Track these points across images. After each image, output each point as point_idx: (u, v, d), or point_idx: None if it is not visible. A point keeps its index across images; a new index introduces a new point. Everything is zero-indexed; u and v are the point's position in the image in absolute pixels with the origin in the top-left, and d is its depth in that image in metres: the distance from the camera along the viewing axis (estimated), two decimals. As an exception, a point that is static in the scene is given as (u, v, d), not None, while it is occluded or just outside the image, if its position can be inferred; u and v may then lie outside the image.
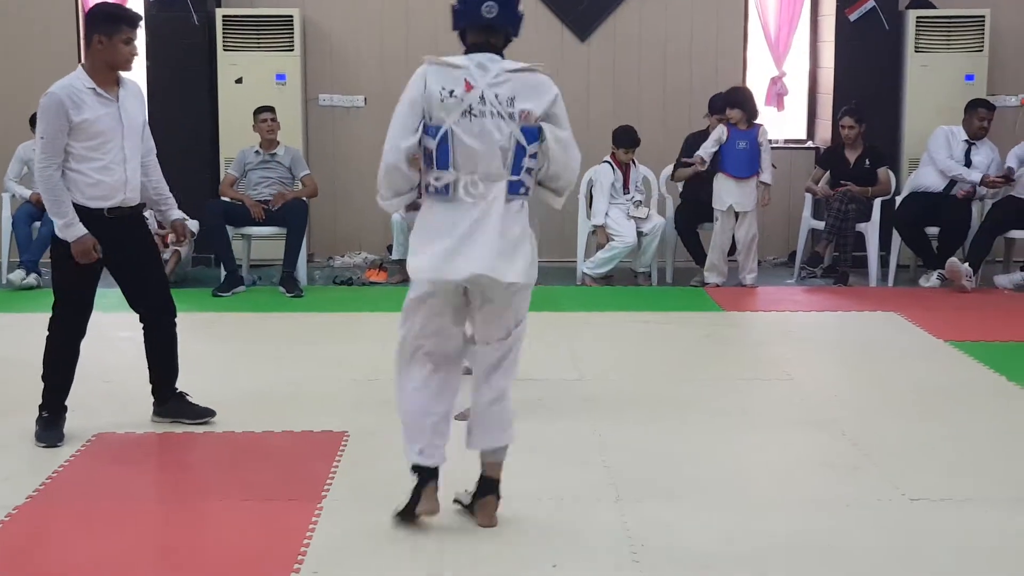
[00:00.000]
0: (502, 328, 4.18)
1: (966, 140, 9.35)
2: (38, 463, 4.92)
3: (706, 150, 9.11)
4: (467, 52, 4.15)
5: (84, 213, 5.15)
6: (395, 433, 5.12)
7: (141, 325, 5.57)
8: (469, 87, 4.04)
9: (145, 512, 4.46)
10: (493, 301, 4.11)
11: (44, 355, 5.39)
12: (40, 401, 5.34)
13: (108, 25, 5.18)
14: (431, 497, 4.22)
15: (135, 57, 5.29)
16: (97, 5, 5.51)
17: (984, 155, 9.35)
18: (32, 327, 7.66)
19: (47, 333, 5.39)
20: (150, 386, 5.58)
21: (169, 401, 5.56)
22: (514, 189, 4.12)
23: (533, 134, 4.12)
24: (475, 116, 4.04)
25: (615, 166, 9.34)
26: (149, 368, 5.58)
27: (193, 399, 5.60)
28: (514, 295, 4.13)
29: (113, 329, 7.78)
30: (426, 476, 4.23)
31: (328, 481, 4.73)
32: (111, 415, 5.66)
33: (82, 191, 5.18)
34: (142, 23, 5.44)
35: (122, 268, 5.47)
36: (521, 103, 4.09)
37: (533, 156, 4.14)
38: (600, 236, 9.27)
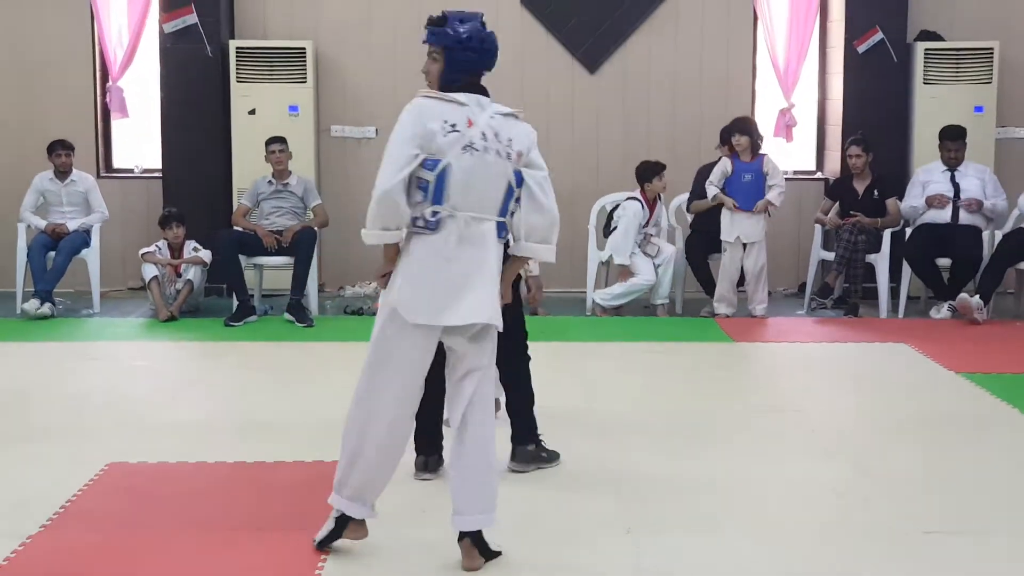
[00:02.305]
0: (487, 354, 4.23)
1: (945, 170, 9.43)
2: (51, 491, 4.92)
3: (713, 184, 9.16)
4: (459, 90, 4.15)
5: None
6: (406, 463, 5.16)
7: None
8: (470, 123, 4.06)
9: (157, 541, 4.47)
10: (477, 341, 4.16)
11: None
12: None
13: None
14: (359, 525, 4.30)
15: None
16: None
17: (971, 178, 9.42)
18: (45, 356, 7.74)
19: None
20: None
21: None
22: (501, 231, 4.14)
23: (519, 178, 4.15)
24: (476, 151, 4.04)
25: (644, 203, 9.34)
26: None
27: None
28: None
29: (127, 359, 7.84)
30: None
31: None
32: (124, 443, 5.67)
33: None
34: None
35: None
36: (516, 145, 4.13)
37: (517, 200, 4.16)
38: (623, 274, 9.28)
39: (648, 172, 9.31)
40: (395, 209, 3.99)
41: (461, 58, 4.15)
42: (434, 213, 4.02)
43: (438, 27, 4.19)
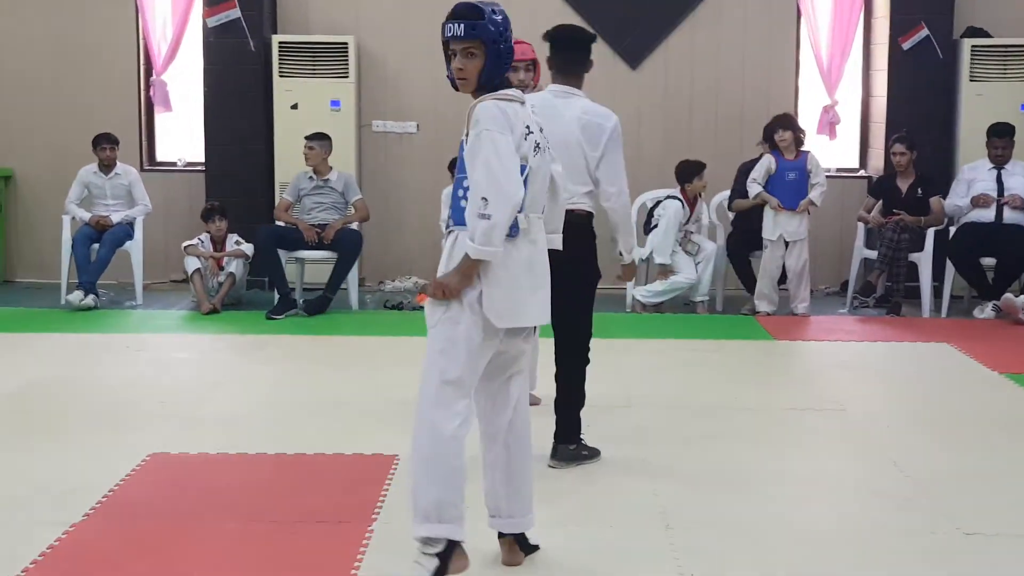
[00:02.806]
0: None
1: (991, 168, 9.34)
2: (94, 481, 4.97)
3: (756, 182, 9.12)
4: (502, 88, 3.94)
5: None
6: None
7: None
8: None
9: (197, 531, 4.50)
10: (528, 341, 4.11)
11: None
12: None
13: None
14: (461, 554, 3.95)
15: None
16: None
17: (1018, 177, 9.36)
18: (89, 348, 7.82)
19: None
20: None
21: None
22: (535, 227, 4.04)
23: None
24: (539, 152, 3.95)
25: (685, 202, 9.33)
26: None
27: None
28: None
29: (169, 350, 7.91)
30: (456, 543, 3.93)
31: (379, 504, 4.76)
32: (166, 435, 5.72)
33: None
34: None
35: None
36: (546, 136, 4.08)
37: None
38: (663, 273, 9.25)
39: (688, 172, 9.29)
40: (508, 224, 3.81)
41: (506, 51, 3.92)
42: (520, 220, 3.90)
43: (477, 20, 3.90)
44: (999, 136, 9.36)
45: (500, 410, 4.08)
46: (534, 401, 5.45)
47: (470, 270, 3.83)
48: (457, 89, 3.99)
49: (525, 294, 3.94)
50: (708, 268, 9.28)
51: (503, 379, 4.07)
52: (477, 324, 3.86)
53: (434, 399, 3.87)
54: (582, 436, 5.39)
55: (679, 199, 9.26)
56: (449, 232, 4.00)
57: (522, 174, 3.85)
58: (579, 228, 5.11)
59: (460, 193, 3.91)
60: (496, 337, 3.91)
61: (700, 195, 9.39)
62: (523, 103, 3.97)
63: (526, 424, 4.13)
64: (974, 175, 9.42)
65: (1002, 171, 9.34)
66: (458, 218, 3.92)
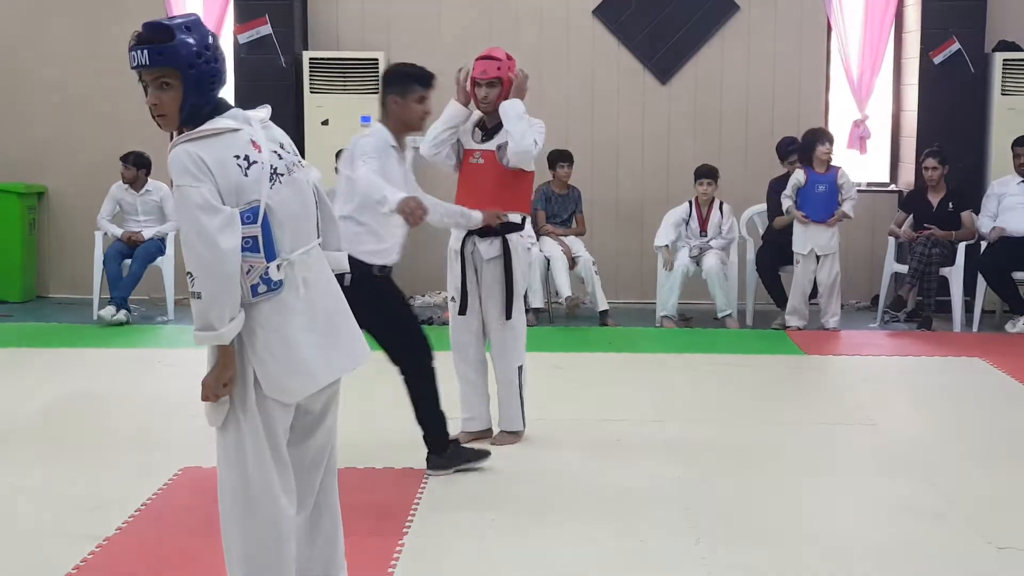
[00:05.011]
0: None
1: (1020, 182, 9.31)
2: (127, 495, 5.01)
3: (787, 196, 9.11)
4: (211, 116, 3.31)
5: (356, 266, 4.29)
6: (475, 471, 5.19)
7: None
8: (257, 146, 3.32)
9: (230, 545, 4.52)
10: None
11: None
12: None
13: (400, 85, 5.27)
14: None
15: (428, 116, 5.33)
16: (392, 65, 5.59)
17: None
18: (121, 363, 7.87)
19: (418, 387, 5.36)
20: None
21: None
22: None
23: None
24: (285, 176, 3.37)
25: (692, 204, 9.44)
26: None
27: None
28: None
29: (200, 365, 7.91)
30: None
31: (410, 517, 4.77)
32: (197, 449, 5.74)
33: (363, 244, 5.15)
34: (434, 82, 5.36)
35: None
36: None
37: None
38: (666, 254, 9.34)
39: (695, 175, 9.43)
40: (237, 290, 3.21)
41: (208, 73, 3.26)
42: (268, 272, 3.29)
43: (165, 42, 3.19)
44: (1022, 145, 9.32)
45: (312, 470, 3.61)
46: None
47: (225, 358, 3.30)
48: (162, 127, 3.35)
49: (312, 352, 3.36)
50: (715, 282, 9.19)
51: (310, 440, 3.57)
52: (260, 414, 3.37)
53: (241, 513, 3.45)
54: (453, 440, 5.46)
55: (690, 200, 9.49)
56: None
57: (255, 218, 3.23)
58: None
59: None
60: (289, 409, 3.42)
61: (712, 203, 9.43)
62: (241, 128, 3.29)
63: (333, 480, 3.72)
64: (1004, 189, 9.37)
65: None
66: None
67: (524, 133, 5.62)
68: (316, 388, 3.41)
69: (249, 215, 3.22)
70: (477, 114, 5.88)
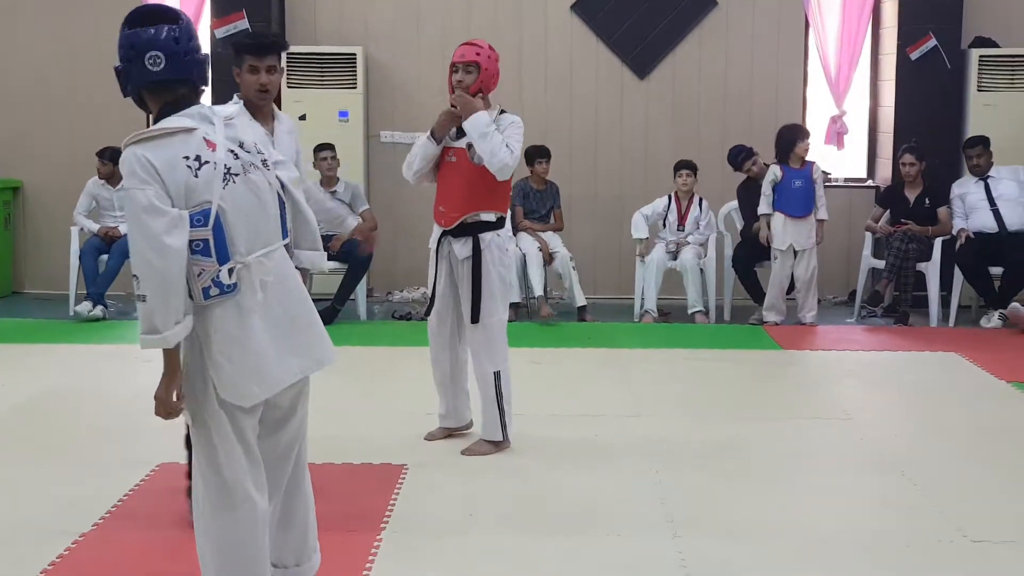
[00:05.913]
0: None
1: (977, 181, 9.40)
2: (104, 491, 5.00)
3: (766, 196, 9.12)
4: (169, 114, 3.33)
5: None
6: (454, 467, 5.19)
7: None
8: (211, 145, 3.30)
9: (207, 541, 4.51)
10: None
11: None
12: None
13: (236, 56, 5.08)
14: None
15: (266, 88, 4.92)
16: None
17: (1006, 181, 9.41)
18: (98, 358, 7.84)
19: None
20: None
21: None
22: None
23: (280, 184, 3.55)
24: (240, 175, 3.35)
25: (672, 198, 9.53)
26: None
27: None
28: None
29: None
30: None
31: (387, 513, 4.77)
32: (175, 445, 5.72)
33: None
34: (274, 51, 4.99)
35: None
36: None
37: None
38: (642, 247, 9.43)
39: (674, 168, 9.58)
40: (182, 294, 3.20)
41: (137, 68, 3.26)
42: (219, 276, 3.27)
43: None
44: (971, 147, 9.47)
45: (282, 462, 3.59)
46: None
47: (169, 364, 3.28)
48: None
49: (270, 356, 3.33)
50: (689, 277, 9.24)
51: (280, 434, 3.56)
52: (225, 415, 3.34)
53: (213, 508, 3.43)
54: None
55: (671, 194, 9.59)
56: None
57: (205, 220, 3.20)
58: None
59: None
60: (254, 409, 3.40)
61: (694, 196, 9.54)
62: (197, 127, 3.26)
63: (304, 472, 3.70)
64: (964, 189, 9.47)
65: (988, 180, 9.37)
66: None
67: (493, 150, 5.39)
68: (272, 392, 3.38)
69: (199, 217, 3.20)
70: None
